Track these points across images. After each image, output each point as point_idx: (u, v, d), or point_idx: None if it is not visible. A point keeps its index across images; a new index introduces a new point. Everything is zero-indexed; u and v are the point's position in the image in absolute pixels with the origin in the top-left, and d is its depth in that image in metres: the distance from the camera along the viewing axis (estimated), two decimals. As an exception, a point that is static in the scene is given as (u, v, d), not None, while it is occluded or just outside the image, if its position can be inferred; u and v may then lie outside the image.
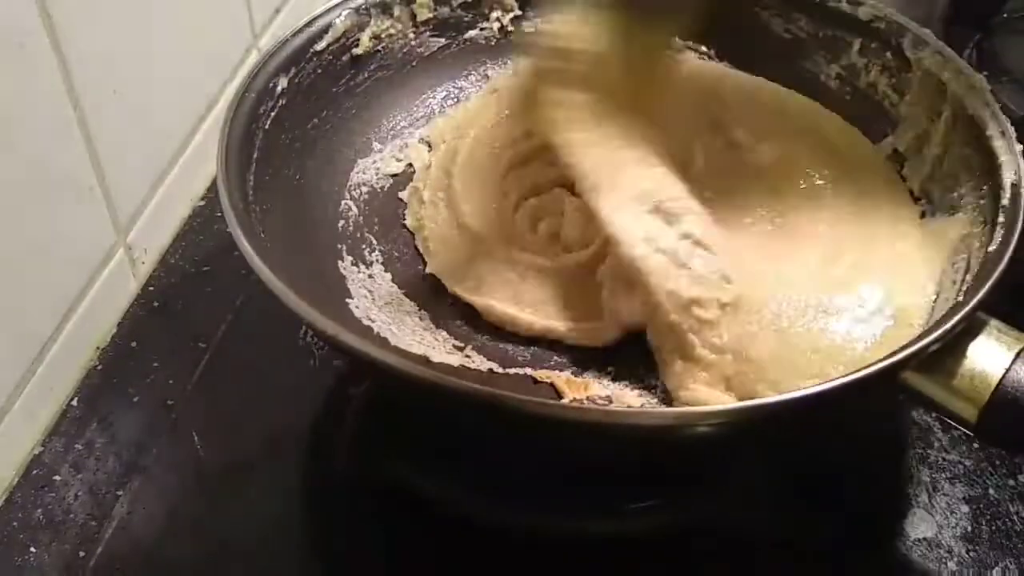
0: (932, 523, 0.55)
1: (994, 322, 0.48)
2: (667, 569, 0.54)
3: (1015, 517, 0.55)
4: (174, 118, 0.69)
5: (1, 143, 0.52)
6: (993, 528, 0.55)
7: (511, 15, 0.71)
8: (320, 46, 0.63)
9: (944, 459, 0.58)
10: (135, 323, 0.65)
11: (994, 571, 0.53)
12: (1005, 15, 0.78)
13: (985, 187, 0.54)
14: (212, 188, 0.73)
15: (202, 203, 0.73)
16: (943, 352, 0.46)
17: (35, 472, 0.57)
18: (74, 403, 0.60)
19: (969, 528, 0.55)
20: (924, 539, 0.55)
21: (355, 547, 0.55)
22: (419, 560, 0.53)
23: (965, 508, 0.56)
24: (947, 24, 0.64)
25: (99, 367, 0.62)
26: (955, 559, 0.54)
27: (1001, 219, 0.51)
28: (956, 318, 0.46)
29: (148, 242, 0.67)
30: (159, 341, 0.64)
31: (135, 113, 0.63)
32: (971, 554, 0.54)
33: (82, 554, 0.53)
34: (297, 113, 0.61)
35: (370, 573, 0.54)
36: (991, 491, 0.56)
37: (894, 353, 0.45)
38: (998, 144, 0.54)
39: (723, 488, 0.58)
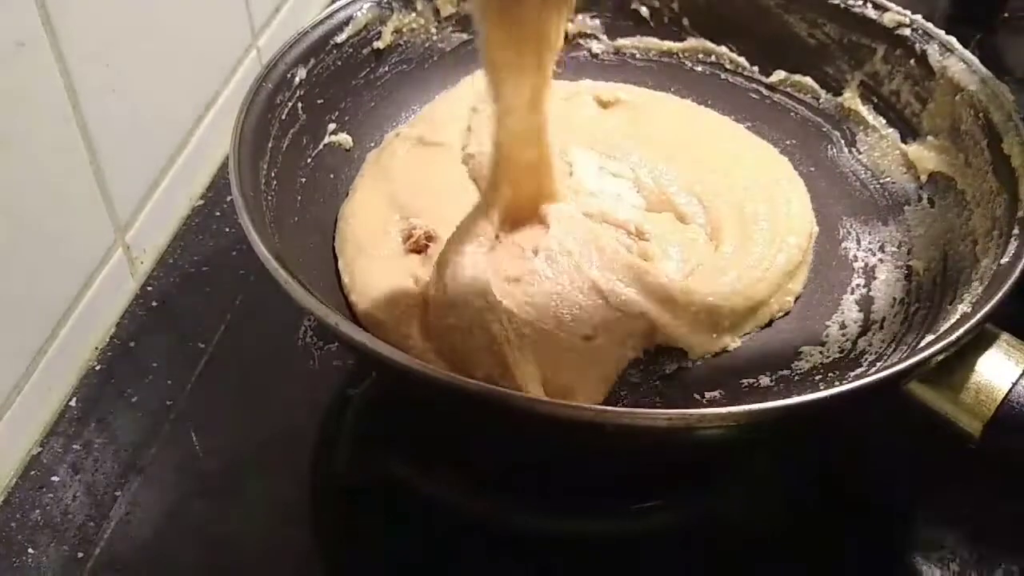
0: (934, 522, 0.55)
1: (1005, 336, 0.47)
2: (668, 569, 0.54)
3: (1018, 518, 0.55)
4: (173, 118, 0.69)
5: (1, 143, 0.52)
6: (996, 528, 0.55)
7: None
8: (340, 38, 0.63)
9: (948, 458, 0.57)
10: (134, 323, 0.64)
11: (997, 571, 0.53)
12: (1006, 14, 0.79)
13: (1002, 197, 0.54)
14: (211, 188, 0.73)
15: (201, 203, 0.73)
16: (949, 364, 0.45)
17: (33, 472, 0.56)
18: (72, 403, 0.60)
19: (972, 528, 0.55)
20: (927, 539, 0.55)
21: (354, 547, 0.55)
22: (419, 560, 0.53)
23: (968, 508, 0.56)
24: (949, 23, 0.64)
25: (98, 367, 0.62)
26: (958, 559, 0.54)
27: (1016, 231, 0.51)
28: (962, 329, 0.45)
29: (147, 242, 0.67)
30: (158, 341, 0.63)
31: (135, 113, 0.63)
32: (974, 555, 0.54)
33: (80, 555, 0.53)
34: (315, 104, 0.61)
35: (370, 573, 0.54)
36: (995, 491, 0.56)
37: (898, 362, 0.44)
38: (1017, 155, 0.54)
39: (724, 488, 0.58)
